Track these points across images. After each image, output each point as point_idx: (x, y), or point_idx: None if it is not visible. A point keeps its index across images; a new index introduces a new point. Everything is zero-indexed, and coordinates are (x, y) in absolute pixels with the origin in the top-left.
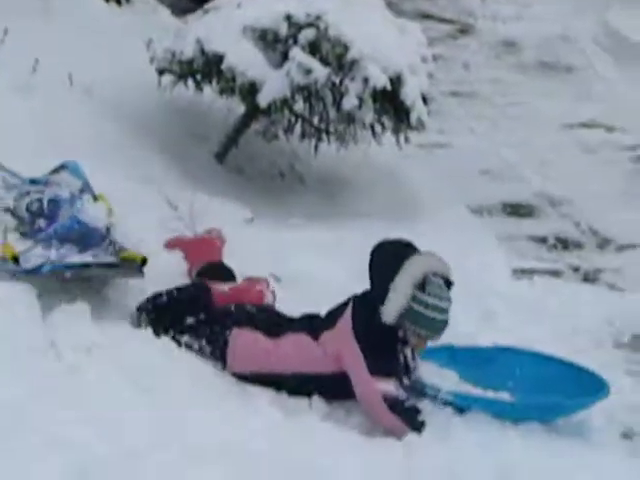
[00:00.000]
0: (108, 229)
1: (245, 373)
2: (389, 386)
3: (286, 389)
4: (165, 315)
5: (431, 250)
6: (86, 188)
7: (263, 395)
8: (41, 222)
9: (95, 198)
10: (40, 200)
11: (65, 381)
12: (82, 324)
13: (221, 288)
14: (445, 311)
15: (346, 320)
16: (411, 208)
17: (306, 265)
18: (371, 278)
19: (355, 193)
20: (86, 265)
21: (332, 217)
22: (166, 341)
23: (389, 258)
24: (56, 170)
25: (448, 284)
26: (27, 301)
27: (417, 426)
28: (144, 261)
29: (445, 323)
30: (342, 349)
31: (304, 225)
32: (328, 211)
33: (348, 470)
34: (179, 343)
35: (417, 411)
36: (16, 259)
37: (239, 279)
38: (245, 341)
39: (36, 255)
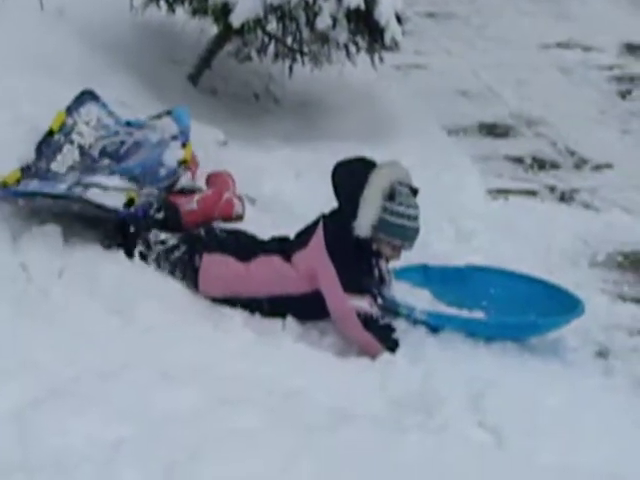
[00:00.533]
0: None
1: (218, 297)
2: (363, 303)
3: (260, 312)
4: (134, 241)
5: (392, 160)
6: (180, 136)
7: (237, 316)
8: (105, 162)
9: (184, 145)
10: (123, 142)
11: (36, 304)
12: (53, 247)
13: (189, 206)
14: (416, 218)
15: (318, 238)
16: (387, 129)
17: (280, 187)
18: (338, 196)
19: (330, 114)
20: (58, 197)
21: (307, 138)
22: (138, 262)
23: (353, 174)
24: (160, 115)
25: (413, 192)
26: None
27: (391, 344)
28: (132, 200)
29: (417, 230)
30: (316, 267)
31: (279, 146)
32: (303, 132)
33: (322, 390)
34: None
35: (391, 329)
36: (5, 186)
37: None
38: (216, 266)
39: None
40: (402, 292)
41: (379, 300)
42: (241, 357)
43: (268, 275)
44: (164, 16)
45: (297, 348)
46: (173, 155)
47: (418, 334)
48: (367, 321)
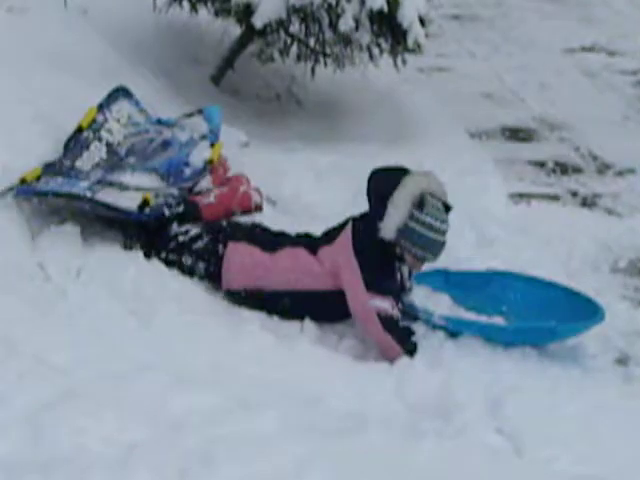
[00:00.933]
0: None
1: (239, 290)
2: (384, 304)
3: (280, 308)
4: (156, 236)
5: (430, 171)
6: (210, 135)
7: (254, 319)
8: (131, 160)
9: (212, 145)
10: (151, 141)
11: (53, 304)
12: (71, 246)
13: (207, 200)
14: (442, 232)
15: (346, 236)
16: (409, 132)
17: (302, 189)
18: (369, 199)
19: (353, 116)
20: (70, 196)
21: (329, 140)
22: (156, 264)
23: (387, 179)
24: (191, 113)
25: (446, 208)
26: (16, 224)
27: (410, 347)
28: (145, 202)
29: (441, 245)
30: (340, 263)
31: (300, 148)
32: (325, 134)
33: (338, 394)
34: (172, 262)
35: (410, 332)
36: (24, 183)
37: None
38: (241, 255)
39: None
40: (422, 297)
41: (399, 301)
42: (258, 360)
43: (293, 267)
44: (187, 16)
45: (314, 351)
46: (200, 155)
47: (437, 339)
48: (387, 322)
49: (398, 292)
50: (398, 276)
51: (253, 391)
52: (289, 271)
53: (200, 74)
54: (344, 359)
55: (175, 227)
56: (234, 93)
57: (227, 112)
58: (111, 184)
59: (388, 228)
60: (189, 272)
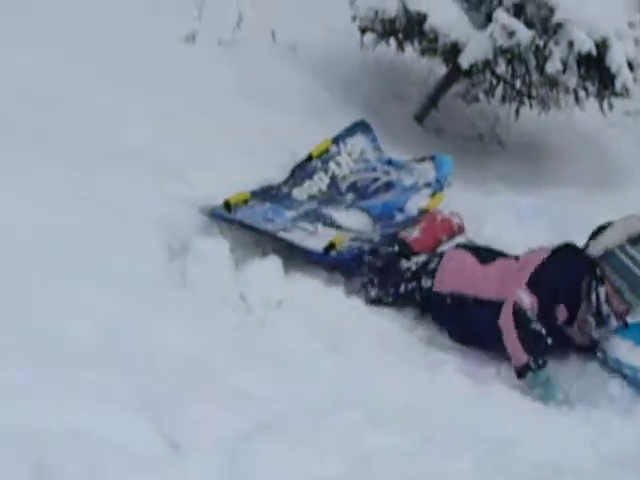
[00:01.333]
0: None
1: (446, 294)
2: (525, 297)
3: (481, 324)
4: (386, 276)
5: None
6: (434, 184)
7: (450, 361)
8: (348, 196)
9: (434, 195)
10: (375, 180)
11: (253, 335)
12: (273, 279)
13: (413, 235)
14: None
15: (550, 247)
16: (614, 177)
17: (502, 230)
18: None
19: (556, 159)
20: (258, 230)
21: (530, 182)
22: (355, 300)
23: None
24: (423, 158)
25: None
26: (221, 255)
27: (533, 350)
28: (332, 245)
29: None
30: (532, 259)
31: (501, 190)
32: (527, 176)
33: (531, 441)
34: (412, 291)
35: (541, 336)
36: (228, 205)
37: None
38: (456, 260)
39: (259, 209)
40: (624, 351)
41: (599, 354)
42: (453, 402)
43: (499, 276)
44: (393, 54)
45: (510, 396)
46: (417, 202)
47: (628, 393)
48: (518, 313)
49: (593, 314)
50: (594, 297)
51: (447, 432)
52: (496, 281)
53: (404, 112)
54: (539, 405)
55: (404, 262)
56: (437, 132)
57: (430, 151)
58: (319, 218)
59: (598, 246)
60: (428, 293)
